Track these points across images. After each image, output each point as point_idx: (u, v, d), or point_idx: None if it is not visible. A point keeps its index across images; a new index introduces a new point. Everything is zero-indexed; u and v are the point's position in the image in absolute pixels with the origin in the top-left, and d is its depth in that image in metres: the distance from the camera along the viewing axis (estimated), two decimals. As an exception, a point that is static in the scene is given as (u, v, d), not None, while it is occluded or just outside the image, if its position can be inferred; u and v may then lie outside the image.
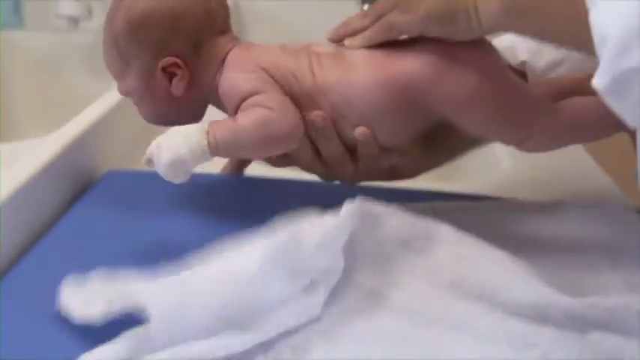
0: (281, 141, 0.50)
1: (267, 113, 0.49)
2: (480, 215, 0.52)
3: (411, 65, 0.50)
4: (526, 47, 0.61)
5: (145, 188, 0.61)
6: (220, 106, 0.55)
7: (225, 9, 0.55)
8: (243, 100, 0.50)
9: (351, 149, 0.53)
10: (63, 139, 0.62)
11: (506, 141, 0.52)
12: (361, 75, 0.51)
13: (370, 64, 0.51)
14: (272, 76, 0.51)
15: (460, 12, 0.47)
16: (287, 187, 0.62)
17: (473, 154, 0.89)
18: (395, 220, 0.44)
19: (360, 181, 0.56)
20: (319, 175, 0.56)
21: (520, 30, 0.48)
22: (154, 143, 0.48)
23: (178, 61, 0.52)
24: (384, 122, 0.52)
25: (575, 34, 0.42)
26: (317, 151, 0.53)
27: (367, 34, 0.51)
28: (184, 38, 0.52)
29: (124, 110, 0.72)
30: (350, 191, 0.61)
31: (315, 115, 0.51)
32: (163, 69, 0.52)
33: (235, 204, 0.59)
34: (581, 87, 0.51)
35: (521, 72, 0.61)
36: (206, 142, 0.48)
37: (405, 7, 0.49)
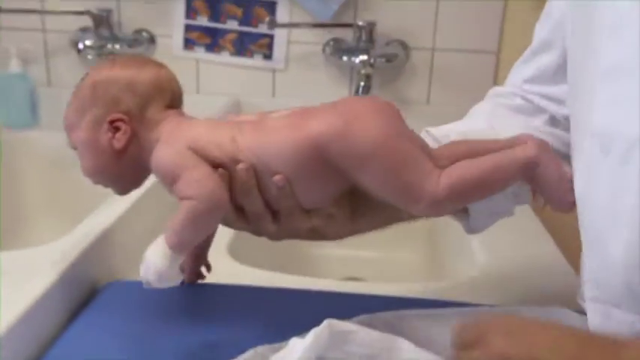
0: (213, 218, 0.57)
1: (193, 205, 0.55)
2: (442, 323, 0.57)
3: (319, 124, 0.55)
4: (460, 131, 0.64)
5: (148, 298, 0.66)
6: None
7: (178, 90, 0.62)
8: (170, 181, 0.56)
9: (273, 210, 0.57)
10: (68, 251, 0.68)
11: (403, 203, 0.55)
12: (276, 137, 0.56)
13: (285, 127, 0.56)
14: (195, 151, 0.56)
15: None
16: (280, 296, 0.68)
17: (449, 250, 0.95)
18: (361, 336, 0.49)
19: (284, 239, 0.60)
20: (246, 231, 0.60)
21: None
22: (142, 271, 0.55)
23: (124, 117, 0.58)
24: (300, 182, 0.56)
25: None
26: (240, 208, 0.57)
27: None
28: (134, 99, 0.58)
29: (128, 220, 0.79)
30: (326, 299, 0.67)
31: (240, 167, 0.55)
32: (111, 122, 0.58)
33: (232, 312, 0.65)
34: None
35: None
36: (170, 250, 0.55)
37: None
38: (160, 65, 0.62)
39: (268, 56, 1.27)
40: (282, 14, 1.23)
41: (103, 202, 0.89)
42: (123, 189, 0.63)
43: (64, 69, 1.30)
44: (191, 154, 0.56)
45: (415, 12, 1.24)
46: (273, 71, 1.29)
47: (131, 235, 0.80)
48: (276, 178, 0.55)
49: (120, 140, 0.58)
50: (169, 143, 0.58)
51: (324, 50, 1.25)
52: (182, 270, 0.64)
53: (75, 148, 0.61)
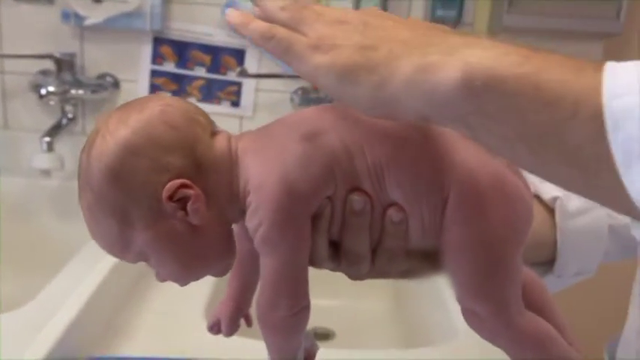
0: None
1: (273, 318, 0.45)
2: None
3: (470, 163, 0.43)
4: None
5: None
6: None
7: (205, 115, 0.46)
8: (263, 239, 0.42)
9: (373, 246, 0.45)
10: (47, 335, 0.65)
11: (466, 299, 0.45)
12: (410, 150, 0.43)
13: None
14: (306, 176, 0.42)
15: (375, 69, 0.36)
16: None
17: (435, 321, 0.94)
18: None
19: (370, 278, 0.49)
20: (328, 269, 0.48)
21: (484, 127, 0.35)
22: None
23: (185, 180, 0.42)
24: (417, 216, 0.44)
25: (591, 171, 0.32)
26: (333, 243, 0.45)
27: (255, 28, 0.41)
28: (179, 153, 0.42)
29: (101, 297, 0.76)
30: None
31: (356, 197, 0.43)
32: (170, 198, 0.42)
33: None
34: (540, 306, 0.48)
35: (549, 208, 0.58)
36: None
37: (317, 42, 0.38)
38: (159, 97, 0.46)
39: (236, 103, 1.27)
40: (250, 63, 1.23)
41: (65, 255, 0.87)
42: (225, 267, 0.48)
43: (22, 111, 1.26)
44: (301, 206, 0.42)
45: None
46: (241, 118, 1.28)
47: (108, 310, 0.77)
48: (393, 210, 0.43)
49: (198, 211, 0.42)
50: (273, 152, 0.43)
51: (292, 99, 1.25)
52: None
53: (143, 260, 0.45)
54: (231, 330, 0.53)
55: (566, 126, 0.31)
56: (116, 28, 1.17)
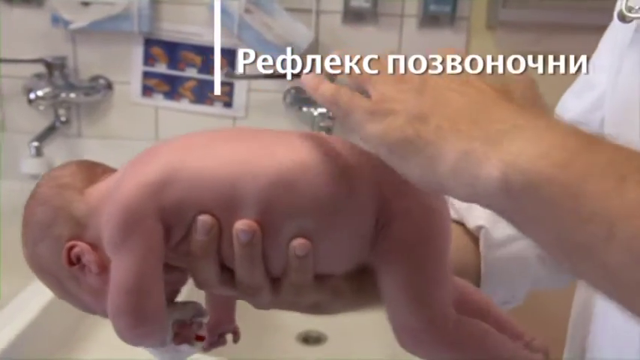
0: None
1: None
2: None
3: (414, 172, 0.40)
4: (486, 212, 0.56)
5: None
6: None
7: (79, 171, 0.47)
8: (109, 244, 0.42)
9: (273, 277, 0.43)
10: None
11: (399, 315, 0.44)
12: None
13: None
14: (166, 190, 0.41)
15: (423, 149, 0.36)
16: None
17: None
18: None
19: (275, 309, 0.46)
20: (230, 296, 0.46)
21: (523, 226, 0.35)
22: None
23: (70, 243, 0.43)
24: (326, 242, 0.41)
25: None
26: (227, 268, 0.43)
27: (323, 93, 0.41)
28: (58, 222, 0.44)
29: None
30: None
31: (240, 227, 0.40)
32: (71, 264, 0.44)
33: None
34: (486, 313, 0.46)
35: (474, 237, 0.58)
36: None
37: (374, 107, 0.38)
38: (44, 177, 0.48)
39: (228, 104, 1.25)
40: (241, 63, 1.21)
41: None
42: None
43: (18, 115, 1.27)
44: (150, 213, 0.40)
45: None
46: (234, 119, 1.27)
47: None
48: (299, 243, 0.40)
49: (91, 262, 0.43)
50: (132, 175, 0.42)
51: (284, 98, 1.23)
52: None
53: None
54: (209, 344, 0.50)
55: (601, 246, 0.30)
56: (105, 30, 1.16)
